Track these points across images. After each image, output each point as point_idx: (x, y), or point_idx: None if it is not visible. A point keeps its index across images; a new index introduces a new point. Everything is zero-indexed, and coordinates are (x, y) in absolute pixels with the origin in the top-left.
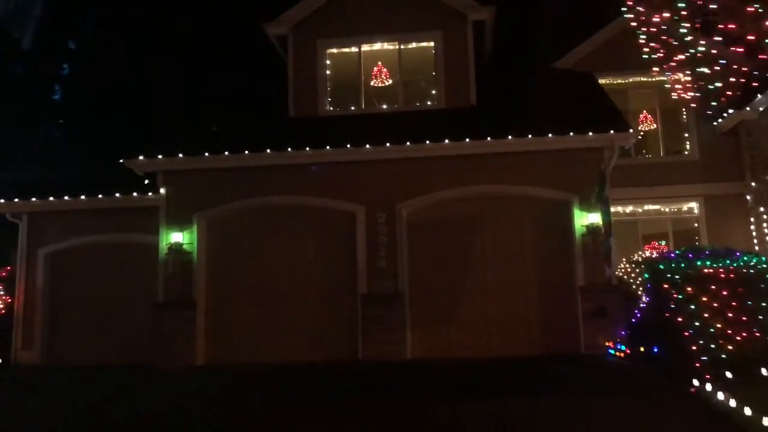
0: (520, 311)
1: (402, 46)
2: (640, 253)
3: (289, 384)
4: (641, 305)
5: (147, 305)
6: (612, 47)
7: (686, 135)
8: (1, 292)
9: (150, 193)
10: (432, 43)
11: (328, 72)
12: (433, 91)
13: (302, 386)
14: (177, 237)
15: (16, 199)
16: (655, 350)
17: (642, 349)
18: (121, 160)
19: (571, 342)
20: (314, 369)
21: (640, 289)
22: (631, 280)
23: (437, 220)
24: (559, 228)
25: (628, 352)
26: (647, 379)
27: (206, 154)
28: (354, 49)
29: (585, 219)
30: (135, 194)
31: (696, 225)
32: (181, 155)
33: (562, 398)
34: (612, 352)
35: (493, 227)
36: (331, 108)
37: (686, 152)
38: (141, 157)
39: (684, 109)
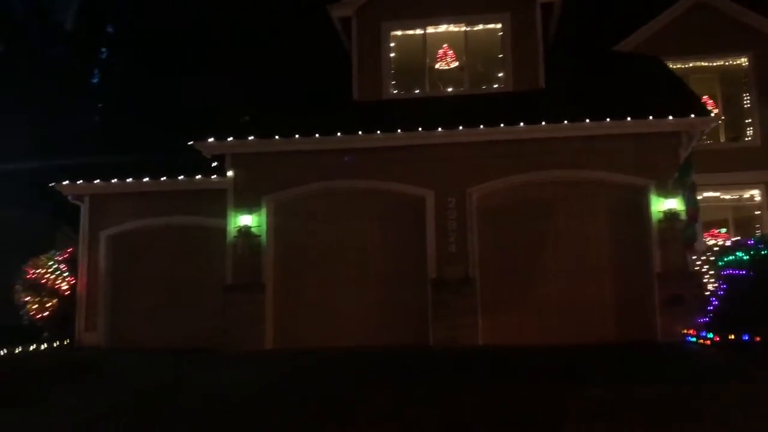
0: (594, 297)
1: (468, 28)
2: (707, 240)
3: (365, 369)
4: (719, 292)
5: (210, 288)
6: (673, 31)
7: (748, 121)
8: (66, 274)
9: (214, 176)
10: (499, 25)
11: (392, 55)
12: (500, 74)
13: (379, 372)
14: (245, 220)
15: (80, 181)
16: (746, 338)
17: (732, 336)
18: (190, 142)
19: (647, 329)
20: (386, 354)
21: (708, 275)
22: (697, 267)
23: (508, 204)
24: (634, 214)
25: (717, 339)
26: (748, 366)
27: (276, 137)
28: (419, 32)
29: (662, 204)
30: (199, 177)
31: (758, 213)
32: (251, 137)
33: (667, 384)
34: (693, 339)
35: (565, 212)
36: (396, 91)
37: (748, 138)
38: (211, 139)
39: (747, 95)
